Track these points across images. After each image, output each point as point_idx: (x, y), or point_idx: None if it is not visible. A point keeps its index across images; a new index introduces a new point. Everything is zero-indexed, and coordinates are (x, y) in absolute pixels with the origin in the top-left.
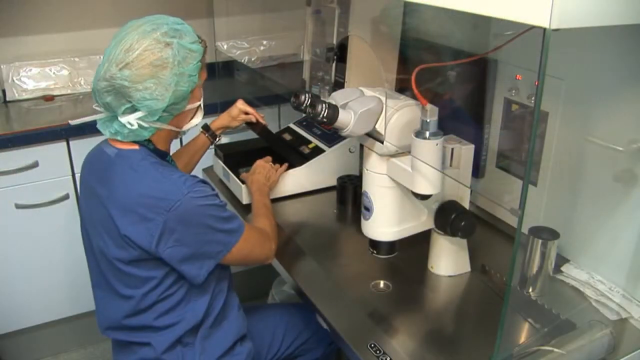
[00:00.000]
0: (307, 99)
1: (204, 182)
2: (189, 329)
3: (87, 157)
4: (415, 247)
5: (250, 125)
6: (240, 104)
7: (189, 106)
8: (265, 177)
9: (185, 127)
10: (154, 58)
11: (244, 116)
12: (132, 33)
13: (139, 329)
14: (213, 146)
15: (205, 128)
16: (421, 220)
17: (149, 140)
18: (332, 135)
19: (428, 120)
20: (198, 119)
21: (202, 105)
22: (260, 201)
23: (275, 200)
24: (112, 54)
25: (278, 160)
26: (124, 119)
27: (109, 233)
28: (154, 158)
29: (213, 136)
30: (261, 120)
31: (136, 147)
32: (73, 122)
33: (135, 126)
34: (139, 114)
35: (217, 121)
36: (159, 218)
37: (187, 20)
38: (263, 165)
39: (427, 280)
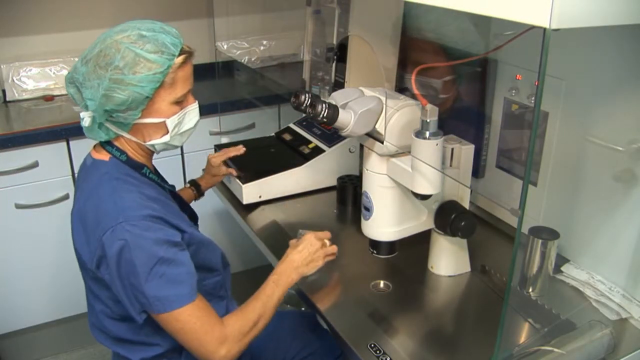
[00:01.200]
0: (307, 99)
1: (162, 220)
2: (170, 348)
3: (82, 162)
4: (415, 247)
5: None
6: (212, 159)
7: (147, 120)
8: (306, 260)
9: (150, 142)
10: (102, 59)
11: (224, 169)
12: (104, 34)
13: (117, 340)
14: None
15: (193, 183)
16: (421, 220)
17: (120, 152)
18: (332, 135)
19: (428, 120)
20: (166, 139)
21: (172, 126)
22: (266, 292)
23: (276, 200)
24: (86, 49)
25: (280, 158)
26: (82, 114)
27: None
28: (121, 171)
29: (199, 192)
30: (239, 153)
31: (106, 158)
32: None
33: (87, 124)
34: (89, 112)
35: (202, 181)
36: (95, 241)
37: (187, 20)
38: (312, 243)
39: (427, 280)
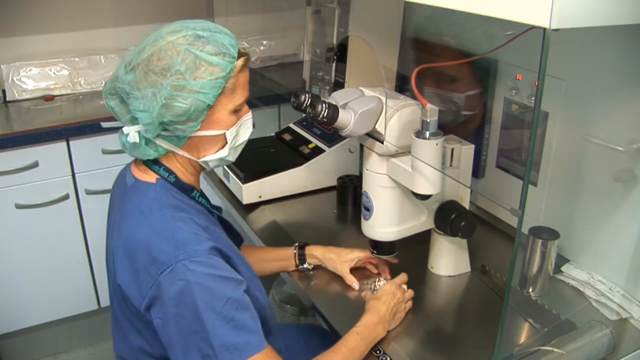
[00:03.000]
0: (307, 99)
1: (220, 252)
2: None
3: (118, 175)
4: (415, 247)
5: None
6: (362, 254)
7: (206, 132)
8: (392, 312)
9: (204, 158)
10: (157, 64)
11: (349, 277)
12: (152, 35)
13: None
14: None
15: (301, 246)
16: (421, 220)
17: (169, 172)
18: (332, 135)
19: (428, 120)
20: (223, 153)
21: (230, 138)
22: (348, 345)
23: (276, 200)
24: (128, 55)
25: (280, 158)
26: (126, 130)
27: (110, 273)
28: (170, 196)
29: (302, 259)
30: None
31: (153, 180)
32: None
33: (134, 140)
34: (138, 127)
35: (318, 250)
36: (150, 280)
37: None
38: (393, 293)
39: (427, 280)
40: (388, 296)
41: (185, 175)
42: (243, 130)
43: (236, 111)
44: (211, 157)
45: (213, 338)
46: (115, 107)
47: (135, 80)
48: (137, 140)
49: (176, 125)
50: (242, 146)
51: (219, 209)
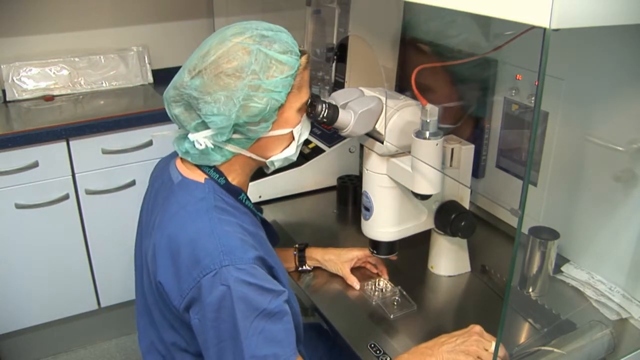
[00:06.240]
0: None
1: (264, 262)
2: None
3: (159, 164)
4: (415, 247)
5: None
6: (364, 255)
7: (276, 132)
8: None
9: (272, 158)
10: (228, 67)
11: (351, 277)
12: (214, 38)
13: None
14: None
15: (301, 248)
16: (421, 220)
17: (219, 174)
18: (332, 135)
19: (428, 120)
20: (290, 151)
21: (297, 136)
22: None
23: (276, 200)
24: (190, 60)
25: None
26: (192, 137)
27: (149, 269)
28: (219, 198)
29: (301, 261)
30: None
31: (201, 179)
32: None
33: (204, 146)
34: (208, 132)
35: (318, 252)
36: (191, 281)
37: (187, 20)
38: (474, 350)
39: (427, 280)
40: (462, 341)
41: (236, 178)
42: (304, 128)
43: (300, 109)
44: (278, 156)
45: (245, 348)
46: (180, 114)
47: (205, 84)
48: (208, 146)
49: (249, 126)
50: (302, 145)
51: (260, 210)
